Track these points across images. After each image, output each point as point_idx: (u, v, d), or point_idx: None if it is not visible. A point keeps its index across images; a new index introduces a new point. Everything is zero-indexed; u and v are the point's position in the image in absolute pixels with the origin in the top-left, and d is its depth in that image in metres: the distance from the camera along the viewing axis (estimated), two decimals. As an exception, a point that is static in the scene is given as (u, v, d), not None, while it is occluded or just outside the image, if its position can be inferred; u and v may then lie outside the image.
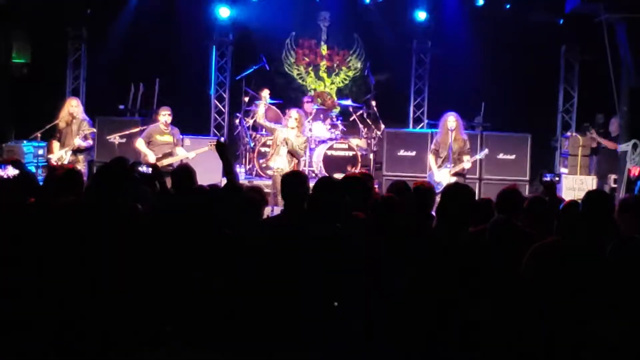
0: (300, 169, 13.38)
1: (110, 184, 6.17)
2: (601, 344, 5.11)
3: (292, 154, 12.75)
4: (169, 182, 7.96)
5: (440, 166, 13.13)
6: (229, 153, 8.01)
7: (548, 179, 13.43)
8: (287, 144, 12.67)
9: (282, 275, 5.61)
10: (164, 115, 13.14)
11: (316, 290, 5.55)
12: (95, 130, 13.64)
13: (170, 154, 12.93)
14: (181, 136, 13.58)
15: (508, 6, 16.47)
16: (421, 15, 17.71)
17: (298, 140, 12.84)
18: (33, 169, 13.43)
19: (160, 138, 13.02)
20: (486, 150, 13.83)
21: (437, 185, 13.00)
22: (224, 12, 17.71)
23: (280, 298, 5.54)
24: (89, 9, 17.21)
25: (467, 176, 13.48)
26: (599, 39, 13.62)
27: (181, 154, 13.01)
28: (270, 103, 16.55)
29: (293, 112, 13.12)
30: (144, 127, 13.62)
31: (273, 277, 5.61)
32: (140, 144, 13.01)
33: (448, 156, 13.05)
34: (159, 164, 12.49)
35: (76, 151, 13.04)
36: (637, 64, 13.43)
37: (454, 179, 12.88)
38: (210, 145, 12.95)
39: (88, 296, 5.71)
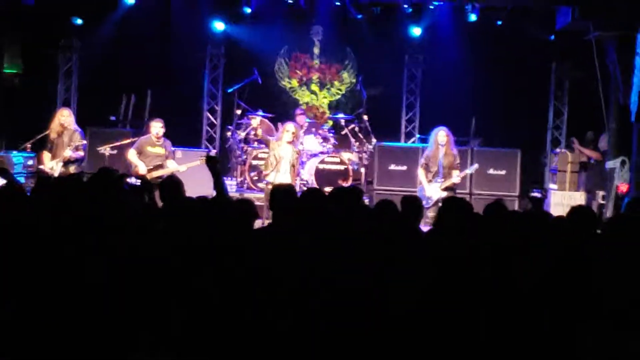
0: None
1: (97, 194, 6.19)
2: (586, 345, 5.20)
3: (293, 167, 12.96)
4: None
5: (430, 181, 13.17)
6: (219, 167, 8.05)
7: (536, 194, 13.53)
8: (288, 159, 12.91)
9: (270, 285, 5.63)
10: (156, 127, 13.13)
11: (303, 300, 5.57)
12: (86, 142, 13.64)
13: (161, 166, 12.92)
14: (173, 149, 13.58)
15: (499, 22, 16.50)
16: (416, 31, 17.77)
17: (294, 154, 13.01)
18: (22, 180, 13.43)
19: (151, 150, 13.02)
20: (476, 165, 13.89)
21: (427, 200, 13.07)
22: (219, 26, 17.76)
23: (270, 308, 5.56)
24: (80, 19, 17.21)
25: (457, 191, 13.52)
26: (588, 56, 13.69)
27: (172, 167, 12.95)
28: (262, 116, 16.59)
29: (290, 126, 13.24)
30: (136, 139, 13.64)
31: (262, 287, 5.63)
32: (131, 155, 13.02)
33: (438, 171, 13.10)
34: (149, 175, 12.53)
35: (67, 162, 13.03)
36: (626, 82, 13.49)
37: (444, 194, 12.95)
38: (201, 159, 12.95)
39: (73, 308, 5.71)
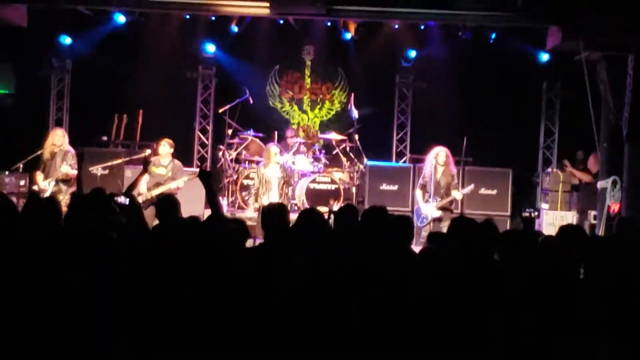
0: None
1: (87, 213, 6.20)
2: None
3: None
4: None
5: (427, 200, 13.21)
6: (212, 182, 8.08)
7: (527, 214, 13.53)
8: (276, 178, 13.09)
9: (261, 303, 5.63)
10: (164, 147, 13.14)
11: (294, 319, 5.57)
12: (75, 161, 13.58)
13: (160, 184, 12.85)
14: (183, 170, 13.39)
15: (493, 35, 16.51)
16: (412, 53, 17.87)
17: (283, 171, 13.22)
18: (14, 200, 13.40)
19: (154, 170, 12.95)
20: (472, 186, 13.90)
21: (423, 218, 13.11)
22: (210, 48, 17.84)
23: (262, 326, 5.56)
24: (68, 38, 17.21)
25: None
26: (579, 76, 13.73)
27: (168, 185, 12.90)
28: (253, 136, 16.62)
29: (274, 148, 13.44)
30: (127, 159, 13.71)
31: (253, 305, 5.63)
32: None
33: (435, 190, 13.14)
34: (148, 193, 12.51)
35: (60, 181, 13.00)
36: (617, 101, 13.54)
37: (439, 213, 13.06)
38: (191, 175, 13.00)
39: (66, 326, 5.71)
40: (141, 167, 11.71)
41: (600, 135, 14.08)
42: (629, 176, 13.40)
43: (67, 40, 17.35)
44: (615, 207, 13.49)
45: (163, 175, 13.00)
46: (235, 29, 17.20)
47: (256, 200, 13.38)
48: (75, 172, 12.97)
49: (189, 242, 6.33)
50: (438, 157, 13.27)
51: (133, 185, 9.99)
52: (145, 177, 12.35)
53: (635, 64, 13.10)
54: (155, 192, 12.67)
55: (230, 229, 6.58)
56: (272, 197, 13.15)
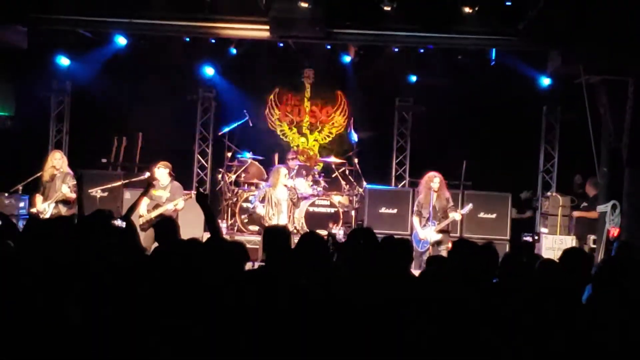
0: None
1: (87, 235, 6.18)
2: None
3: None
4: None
5: (424, 225, 13.20)
6: (209, 204, 8.07)
7: (527, 238, 13.53)
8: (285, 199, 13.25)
9: (261, 328, 5.60)
10: (160, 169, 13.12)
11: (293, 343, 5.54)
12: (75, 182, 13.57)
13: (159, 206, 12.85)
14: (183, 192, 13.32)
15: (493, 58, 16.53)
16: (412, 78, 17.93)
17: (292, 192, 13.48)
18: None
19: (155, 192, 12.94)
20: (470, 205, 13.88)
21: (423, 243, 13.09)
22: (209, 71, 17.86)
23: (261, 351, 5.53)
24: (67, 59, 17.20)
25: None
26: (580, 100, 13.74)
27: (166, 206, 12.90)
28: (252, 159, 16.63)
29: (283, 170, 13.59)
30: (126, 181, 13.73)
31: (252, 330, 5.60)
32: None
33: (433, 215, 13.14)
34: (148, 215, 12.51)
35: (59, 203, 12.99)
36: (616, 126, 13.55)
37: (439, 236, 13.03)
38: (189, 195, 13.05)
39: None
40: (141, 189, 11.69)
41: (600, 159, 14.08)
42: (629, 201, 13.39)
43: (64, 61, 17.25)
44: (614, 232, 13.47)
45: (162, 197, 12.99)
46: (234, 50, 17.21)
47: (263, 222, 13.35)
48: (74, 195, 12.98)
49: (187, 265, 6.30)
50: (432, 183, 13.27)
51: (133, 207, 9.97)
52: (145, 199, 12.34)
53: (635, 88, 13.12)
54: (155, 213, 12.68)
55: (229, 251, 6.56)
56: (282, 219, 13.18)
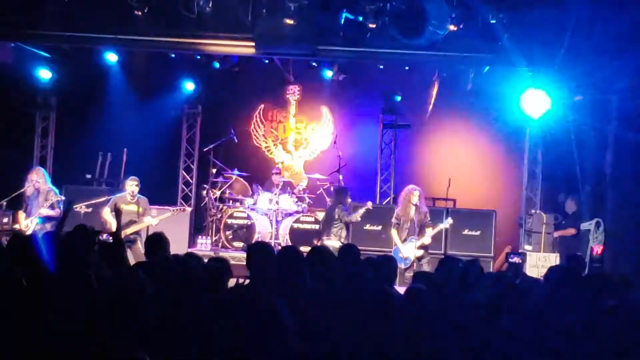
0: (267, 241, 13.52)
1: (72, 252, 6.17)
2: None
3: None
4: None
5: (404, 240, 13.22)
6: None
7: (514, 259, 13.55)
8: None
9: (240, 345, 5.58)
10: (131, 185, 13.18)
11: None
12: (63, 197, 13.59)
13: (134, 222, 12.93)
14: (149, 206, 13.53)
15: (475, 76, 16.57)
16: (397, 98, 17.98)
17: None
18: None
19: (125, 207, 13.00)
20: (450, 220, 13.92)
21: (406, 260, 13.10)
22: (189, 87, 17.77)
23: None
24: (49, 72, 17.07)
25: (432, 251, 13.57)
26: (564, 118, 13.80)
27: (146, 222, 13.04)
28: (237, 175, 16.63)
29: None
30: (110, 197, 13.67)
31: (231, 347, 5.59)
32: (106, 213, 13.04)
33: (412, 229, 13.16)
34: (123, 232, 12.51)
35: (44, 219, 12.99)
36: (600, 144, 13.62)
37: (420, 252, 13.04)
38: (174, 211, 13.25)
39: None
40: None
41: (584, 177, 14.14)
42: (612, 218, 13.45)
43: (46, 74, 17.03)
44: (598, 249, 13.53)
45: (135, 211, 13.07)
46: (217, 65, 17.15)
47: None
48: (56, 211, 13.00)
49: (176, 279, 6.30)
50: (412, 197, 13.30)
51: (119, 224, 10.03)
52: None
53: (618, 104, 13.20)
54: (130, 230, 12.76)
55: (212, 267, 6.57)
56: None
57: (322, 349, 5.64)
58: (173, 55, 16.73)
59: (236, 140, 17.36)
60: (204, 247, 15.95)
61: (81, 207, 13.73)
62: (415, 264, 13.16)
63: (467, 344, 5.63)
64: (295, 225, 15.78)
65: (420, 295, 6.23)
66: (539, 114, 14.30)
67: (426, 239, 13.31)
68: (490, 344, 5.64)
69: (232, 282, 7.21)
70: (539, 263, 14.62)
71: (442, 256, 15.16)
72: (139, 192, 13.31)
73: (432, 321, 5.78)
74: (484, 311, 6.10)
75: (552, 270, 6.96)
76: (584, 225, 14.13)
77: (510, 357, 5.50)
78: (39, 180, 13.19)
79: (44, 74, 16.76)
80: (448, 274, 6.65)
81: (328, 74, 17.20)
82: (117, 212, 10.79)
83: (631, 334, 5.52)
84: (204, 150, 17.47)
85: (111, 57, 16.42)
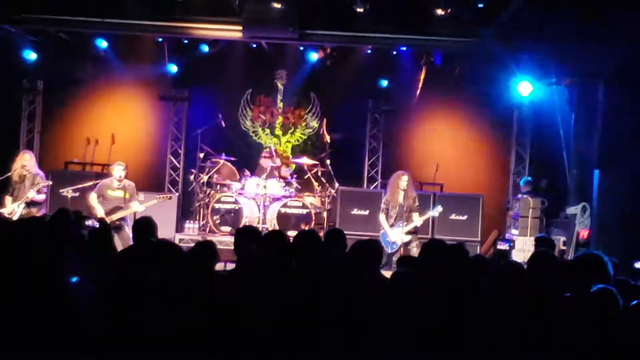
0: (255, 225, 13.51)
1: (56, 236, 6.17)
2: None
3: None
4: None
5: (392, 225, 13.22)
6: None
7: (502, 246, 13.59)
8: None
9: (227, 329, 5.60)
10: (118, 170, 13.12)
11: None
12: (50, 182, 13.58)
13: (121, 208, 12.89)
14: (136, 191, 13.49)
15: (464, 60, 16.56)
16: (384, 83, 17.95)
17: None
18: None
19: (111, 193, 12.99)
20: (440, 207, 13.93)
21: (393, 244, 13.10)
22: (173, 69, 17.67)
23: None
24: (34, 54, 16.91)
25: (419, 235, 13.52)
26: (550, 102, 13.82)
27: (132, 208, 12.99)
28: (225, 160, 16.58)
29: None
30: (97, 182, 13.63)
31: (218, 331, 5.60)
32: (92, 198, 12.99)
33: (400, 214, 13.17)
34: (109, 218, 12.50)
35: (29, 204, 12.98)
36: (588, 128, 13.64)
37: (408, 237, 13.04)
38: (160, 198, 13.26)
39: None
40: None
41: (571, 161, 14.17)
42: (599, 202, 13.48)
43: (31, 55, 16.88)
44: (584, 234, 13.57)
45: (121, 197, 13.02)
46: (206, 48, 17.08)
47: None
48: (42, 196, 13.00)
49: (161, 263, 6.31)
50: (401, 182, 13.29)
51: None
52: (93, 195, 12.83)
53: (605, 90, 13.21)
54: (116, 215, 12.73)
55: (197, 250, 6.57)
56: None
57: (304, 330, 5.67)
58: (160, 40, 16.68)
59: (223, 125, 17.29)
60: (191, 231, 15.91)
61: (68, 192, 13.65)
62: (402, 248, 13.17)
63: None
64: (283, 210, 15.75)
65: (405, 279, 6.25)
66: (528, 92, 14.37)
67: (417, 221, 13.31)
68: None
69: (219, 266, 7.22)
70: (525, 247, 14.65)
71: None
72: (126, 177, 13.27)
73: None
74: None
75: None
76: (570, 210, 14.17)
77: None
78: (25, 164, 13.16)
79: (30, 56, 16.64)
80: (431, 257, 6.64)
81: (313, 56, 17.11)
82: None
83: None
84: (192, 134, 17.42)
85: (102, 43, 16.39)
